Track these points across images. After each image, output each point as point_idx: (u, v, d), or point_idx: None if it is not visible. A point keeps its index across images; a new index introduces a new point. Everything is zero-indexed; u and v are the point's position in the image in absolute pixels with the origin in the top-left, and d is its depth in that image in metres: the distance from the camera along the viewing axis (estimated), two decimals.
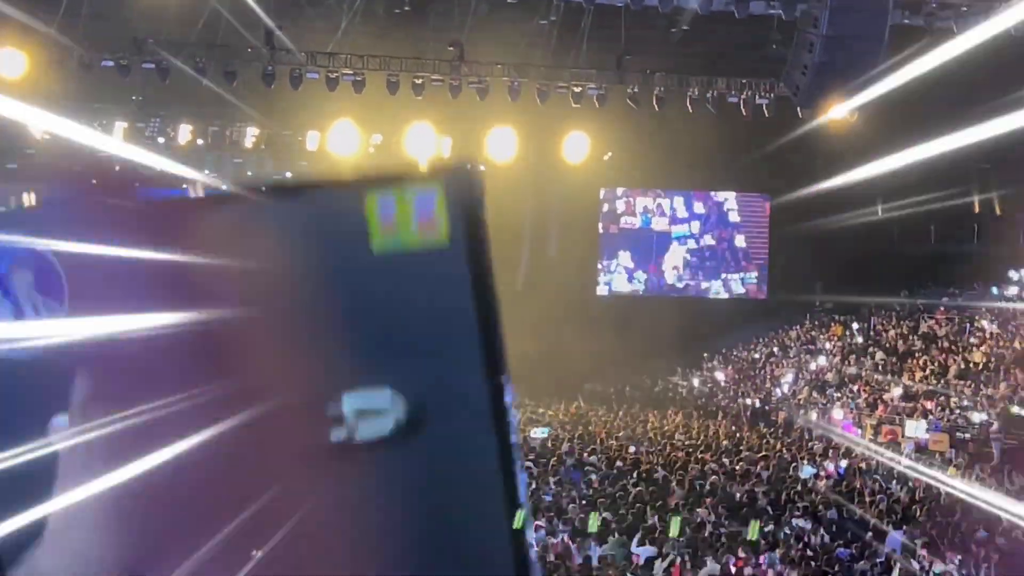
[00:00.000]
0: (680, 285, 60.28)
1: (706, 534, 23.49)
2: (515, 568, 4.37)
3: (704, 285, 60.61)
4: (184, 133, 48.08)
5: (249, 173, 55.63)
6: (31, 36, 37.19)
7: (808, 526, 25.43)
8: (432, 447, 4.44)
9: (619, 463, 33.53)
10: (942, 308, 51.87)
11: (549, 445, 37.62)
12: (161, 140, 49.01)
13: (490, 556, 4.38)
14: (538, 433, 40.02)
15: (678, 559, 21.97)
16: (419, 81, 40.59)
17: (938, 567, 22.97)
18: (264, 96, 42.15)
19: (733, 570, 21.80)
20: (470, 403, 4.48)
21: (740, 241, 60.93)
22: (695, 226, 60.69)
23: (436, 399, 4.46)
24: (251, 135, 49.16)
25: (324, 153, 48.93)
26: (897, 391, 44.48)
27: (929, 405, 42.14)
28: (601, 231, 59.55)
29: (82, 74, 38.27)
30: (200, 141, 48.97)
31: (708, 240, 60.77)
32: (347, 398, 4.34)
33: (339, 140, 46.97)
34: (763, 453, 36.34)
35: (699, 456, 35.38)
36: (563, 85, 41.80)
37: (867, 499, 28.44)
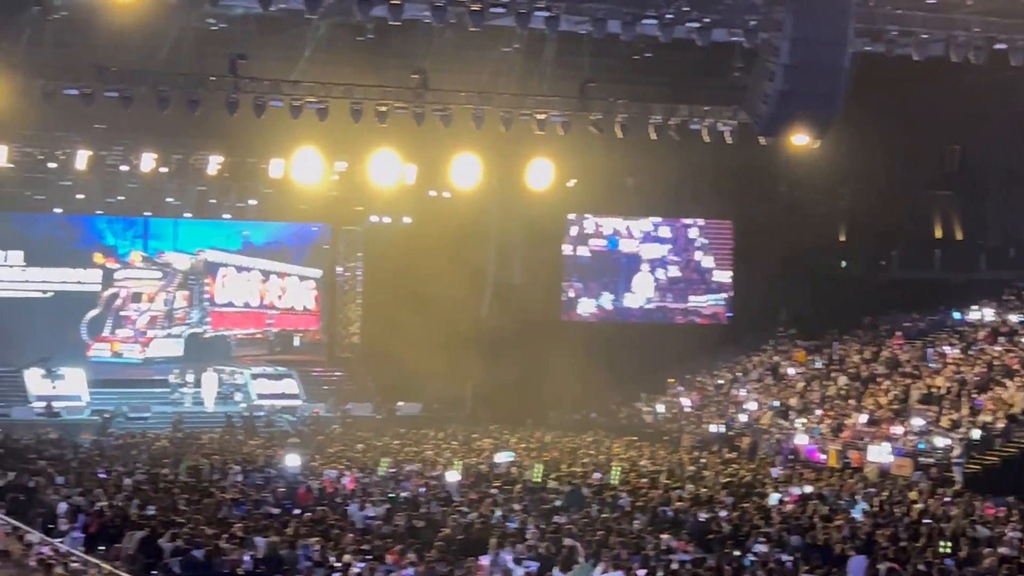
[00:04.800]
0: (649, 307, 60.41)
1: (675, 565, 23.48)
2: None
3: (670, 308, 60.74)
4: (147, 161, 47.97)
5: (212, 201, 55.56)
6: None
7: (772, 552, 25.45)
8: None
9: (584, 490, 33.55)
10: (900, 334, 52.09)
11: (514, 471, 37.62)
12: (124, 168, 48.92)
13: None
14: (503, 458, 40.02)
15: None
16: (383, 109, 40.59)
17: None
18: (228, 124, 42.11)
19: None
20: None
21: (705, 266, 61.13)
22: (662, 250, 60.85)
23: None
24: (215, 163, 49.09)
25: (288, 181, 48.94)
26: (861, 416, 44.62)
27: (893, 430, 42.30)
28: (568, 253, 59.60)
29: (45, 102, 38.11)
30: (163, 169, 48.87)
31: (674, 265, 60.92)
32: None
33: (303, 168, 46.97)
34: (727, 479, 36.41)
35: (663, 482, 35.44)
36: (527, 112, 41.87)
37: (831, 524, 28.50)
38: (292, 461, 36.39)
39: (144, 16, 35.48)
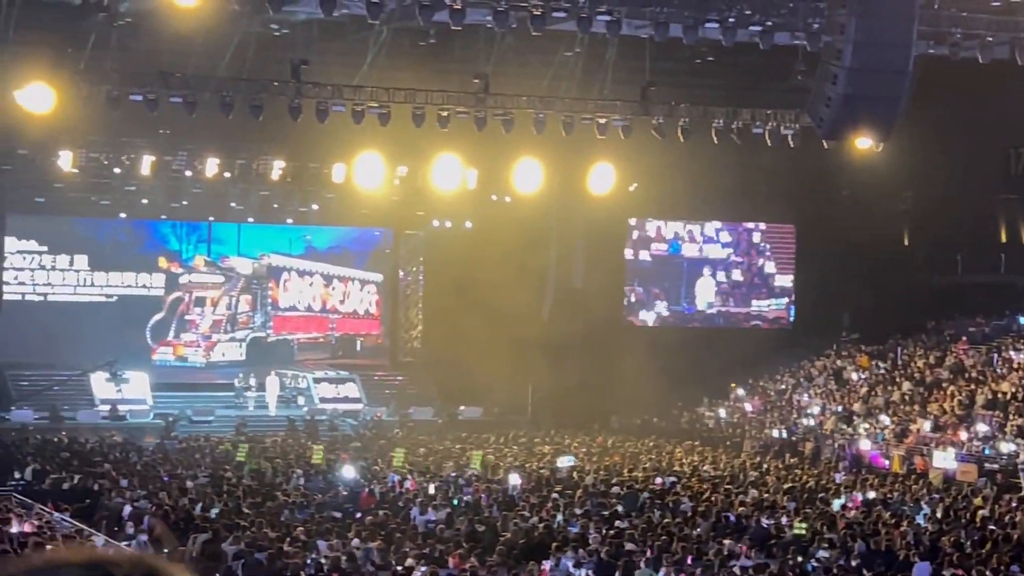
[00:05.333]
0: (711, 311, 60.20)
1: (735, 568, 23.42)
2: None
3: (732, 313, 60.53)
4: (211, 166, 48.33)
5: (275, 205, 55.88)
6: (60, 71, 37.45)
7: (835, 558, 25.33)
8: None
9: (645, 494, 33.50)
10: (965, 338, 51.68)
11: (575, 476, 37.61)
12: (188, 173, 49.30)
13: None
14: (564, 462, 40.01)
15: None
16: (445, 113, 40.67)
17: None
18: (290, 129, 42.35)
19: None
20: None
21: (767, 270, 60.86)
22: (724, 254, 60.64)
23: None
24: (278, 168, 49.41)
25: (350, 185, 49.16)
26: (926, 422, 44.29)
27: (958, 435, 41.97)
28: (630, 258, 59.48)
29: (110, 108, 38.47)
30: (227, 174, 49.25)
31: (736, 269, 60.71)
32: None
33: (365, 172, 47.18)
34: (789, 484, 36.25)
35: (725, 487, 35.31)
36: (588, 117, 41.84)
37: (895, 530, 28.32)
38: (349, 472, 36.21)
39: (208, 22, 35.81)
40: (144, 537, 25.96)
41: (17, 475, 37.31)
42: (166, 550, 24.65)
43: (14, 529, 23.01)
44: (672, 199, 57.22)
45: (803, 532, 27.74)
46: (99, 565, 3.66)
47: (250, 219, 58.13)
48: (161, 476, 35.84)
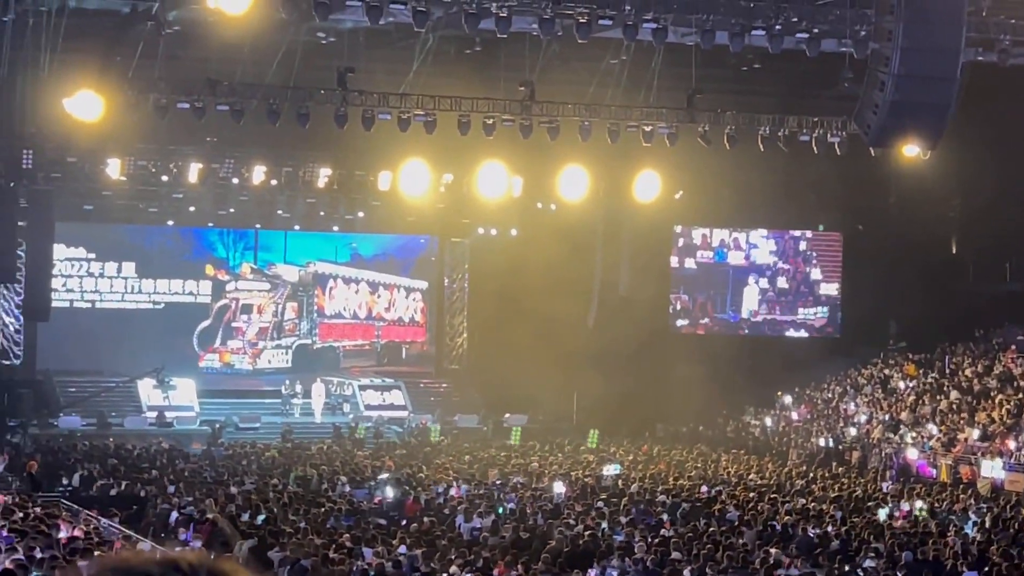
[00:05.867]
0: (757, 319, 59.97)
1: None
2: None
3: (779, 321, 60.28)
4: (258, 174, 48.55)
5: (321, 213, 56.05)
6: (108, 79, 37.69)
7: (881, 568, 25.18)
8: None
9: (690, 503, 33.42)
10: (1014, 347, 51.29)
11: (620, 484, 37.56)
12: (235, 181, 49.54)
13: None
14: (610, 470, 39.98)
15: None
16: (490, 121, 40.72)
17: None
18: (337, 137, 42.49)
19: None
20: None
21: (814, 278, 60.57)
22: (770, 261, 60.40)
23: None
24: (324, 176, 49.61)
25: (396, 193, 49.27)
26: (974, 431, 43.99)
27: (1007, 444, 41.66)
28: (675, 265, 59.34)
29: (158, 116, 38.70)
30: (274, 182, 49.47)
31: (782, 277, 60.45)
32: None
33: (411, 180, 47.28)
34: (836, 494, 36.08)
35: (771, 496, 35.17)
36: (634, 124, 41.77)
37: (942, 540, 28.12)
38: (388, 493, 35.26)
39: (255, 30, 35.96)
40: (197, 543, 26.07)
41: (65, 481, 37.57)
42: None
43: (62, 535, 23.13)
44: (718, 207, 57.05)
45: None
46: (169, 565, 3.70)
47: (296, 226, 58.34)
48: (208, 483, 35.99)
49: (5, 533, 21.58)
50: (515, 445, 49.71)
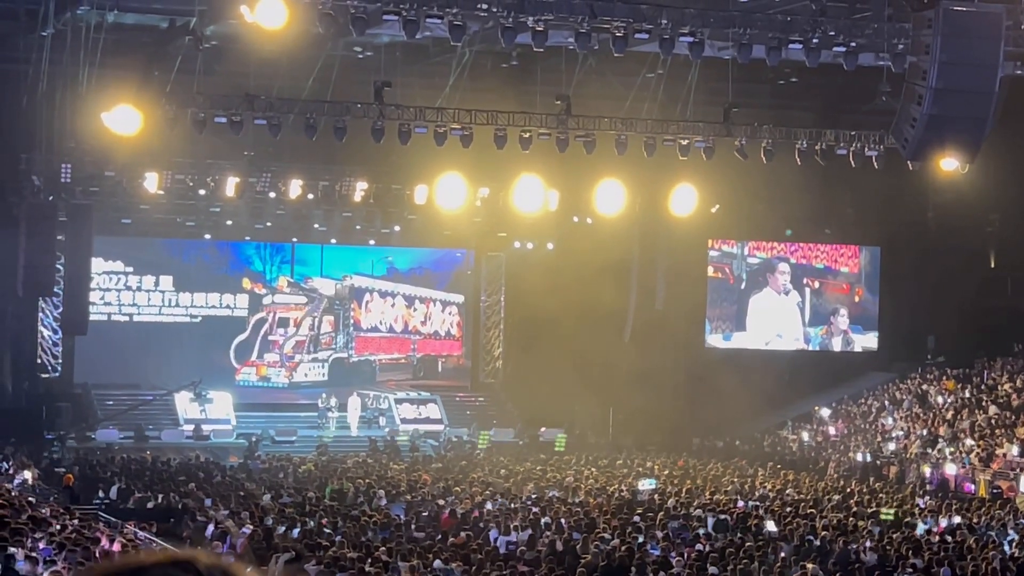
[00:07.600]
0: (793, 336, 59.76)
1: None
2: None
3: (816, 336, 60.07)
4: (295, 188, 48.70)
5: (357, 227, 56.16)
6: (146, 94, 37.88)
7: None
8: None
9: (727, 517, 33.29)
10: None
11: (656, 499, 37.45)
12: (272, 195, 49.70)
13: None
14: (645, 485, 39.86)
15: None
16: (526, 135, 40.73)
17: None
18: (373, 151, 42.59)
19: None
20: None
21: (851, 293, 60.37)
22: (807, 276, 60.22)
23: None
24: (360, 189, 49.73)
25: (432, 207, 49.33)
26: (1012, 447, 43.73)
27: None
28: (711, 278, 59.22)
29: (196, 130, 38.86)
30: (310, 196, 49.61)
31: (819, 291, 60.26)
32: None
33: (447, 194, 47.33)
34: (873, 509, 35.89)
35: (808, 511, 35.00)
36: (670, 138, 41.70)
37: (980, 556, 27.94)
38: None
39: (292, 45, 36.09)
40: (231, 556, 26.13)
41: (102, 494, 37.71)
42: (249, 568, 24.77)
43: (103, 547, 23.21)
44: (754, 221, 56.94)
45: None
46: (180, 564, 3.70)
47: (333, 240, 58.46)
48: (244, 496, 36.07)
49: (43, 545, 21.65)
50: (561, 451, 50.08)
